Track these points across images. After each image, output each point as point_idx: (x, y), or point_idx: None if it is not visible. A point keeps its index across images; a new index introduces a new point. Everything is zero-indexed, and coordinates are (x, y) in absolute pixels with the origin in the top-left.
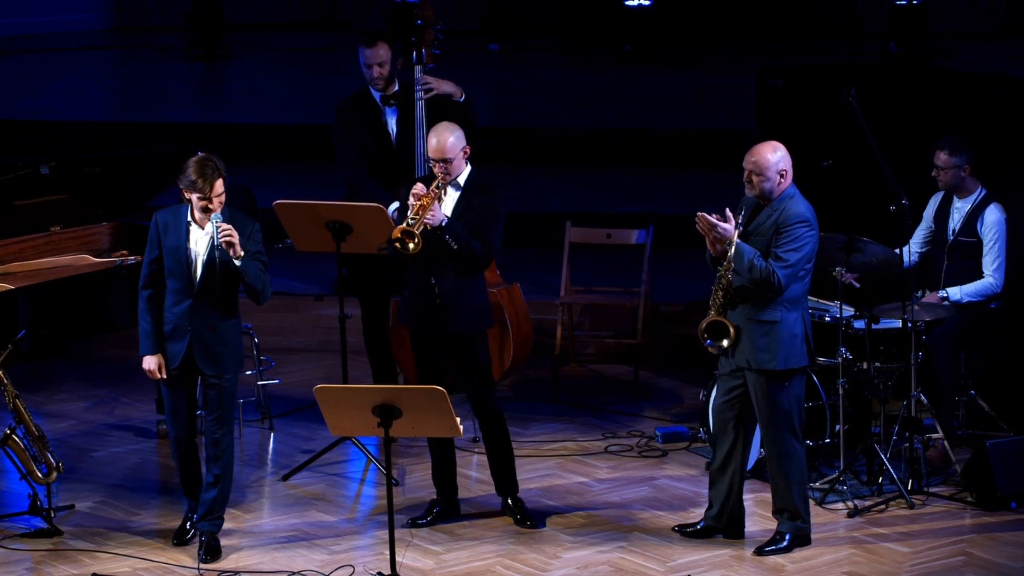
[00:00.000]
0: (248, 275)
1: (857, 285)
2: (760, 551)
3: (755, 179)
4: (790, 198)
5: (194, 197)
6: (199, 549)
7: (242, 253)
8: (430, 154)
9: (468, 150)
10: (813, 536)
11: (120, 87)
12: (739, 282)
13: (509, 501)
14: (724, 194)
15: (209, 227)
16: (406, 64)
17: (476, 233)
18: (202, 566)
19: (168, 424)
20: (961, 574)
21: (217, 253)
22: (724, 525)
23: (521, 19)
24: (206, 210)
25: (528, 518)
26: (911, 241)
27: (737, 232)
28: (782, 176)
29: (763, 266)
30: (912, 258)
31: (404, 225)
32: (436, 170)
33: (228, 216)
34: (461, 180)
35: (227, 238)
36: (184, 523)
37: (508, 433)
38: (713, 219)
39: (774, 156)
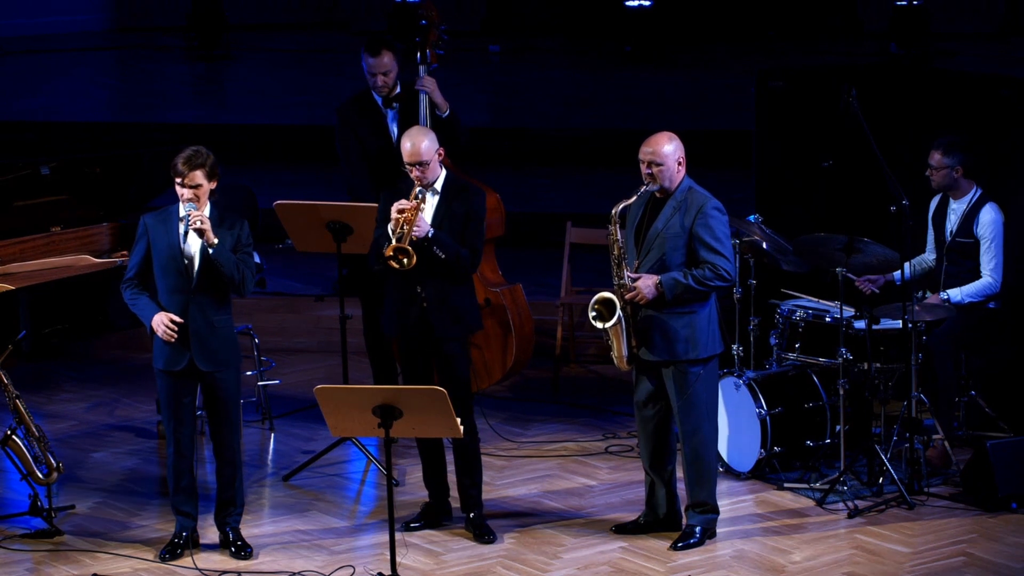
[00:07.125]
0: (221, 262)
1: (878, 292)
2: (675, 547)
3: (655, 169)
4: (691, 188)
5: (177, 187)
6: (231, 550)
7: (215, 240)
8: (405, 159)
9: (443, 152)
10: (814, 536)
11: (120, 87)
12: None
13: (471, 515)
14: (724, 194)
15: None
16: (409, 64)
17: (459, 239)
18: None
19: (166, 431)
20: (961, 574)
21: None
22: (663, 519)
23: (521, 19)
24: (186, 198)
25: (486, 532)
26: (926, 248)
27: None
28: (680, 165)
29: (701, 275)
30: (930, 263)
31: (395, 243)
32: (413, 174)
33: (219, 213)
34: (438, 185)
35: (197, 224)
36: (173, 539)
37: (479, 452)
38: (629, 289)
39: (671, 145)
